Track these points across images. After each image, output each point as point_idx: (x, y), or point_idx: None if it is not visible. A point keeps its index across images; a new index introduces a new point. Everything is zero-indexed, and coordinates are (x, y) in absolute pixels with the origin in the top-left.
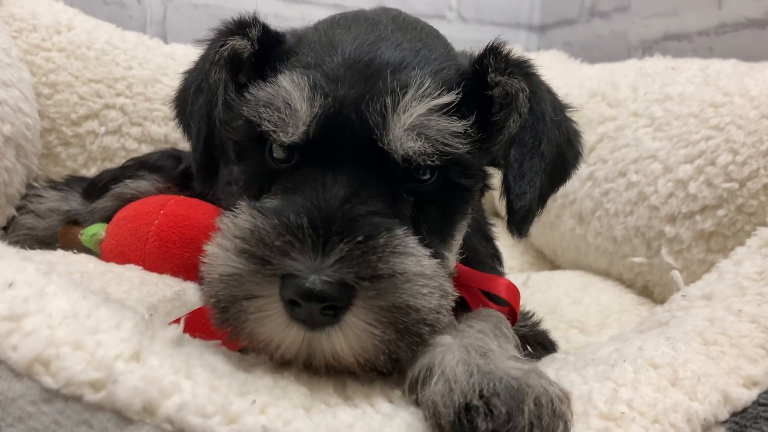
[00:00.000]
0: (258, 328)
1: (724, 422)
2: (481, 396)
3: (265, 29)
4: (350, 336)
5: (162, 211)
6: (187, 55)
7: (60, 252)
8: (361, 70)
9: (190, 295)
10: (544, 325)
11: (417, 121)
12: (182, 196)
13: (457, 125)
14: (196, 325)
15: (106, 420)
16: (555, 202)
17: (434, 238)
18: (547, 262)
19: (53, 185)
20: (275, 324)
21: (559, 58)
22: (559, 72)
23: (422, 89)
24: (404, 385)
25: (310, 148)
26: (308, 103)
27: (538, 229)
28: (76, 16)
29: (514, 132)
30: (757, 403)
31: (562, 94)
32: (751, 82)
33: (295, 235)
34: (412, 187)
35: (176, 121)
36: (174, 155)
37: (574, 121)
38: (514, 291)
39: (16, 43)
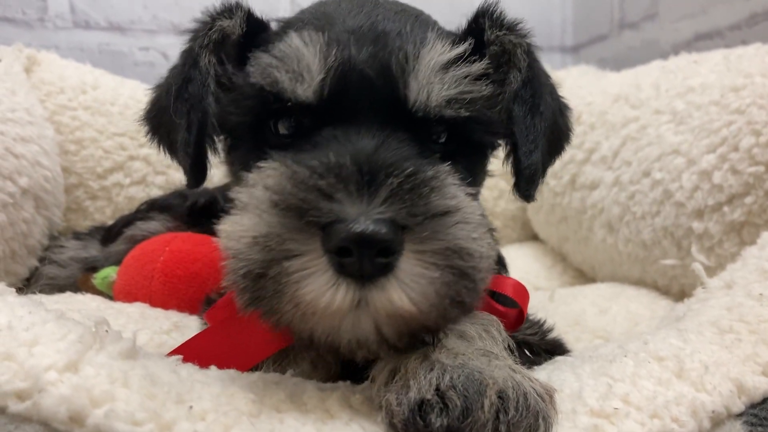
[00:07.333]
0: (299, 292)
1: (740, 415)
2: (438, 390)
3: (249, 15)
4: (408, 283)
5: (167, 248)
6: None
7: (67, 293)
8: (366, 34)
9: (187, 326)
10: (565, 337)
11: (438, 69)
12: (188, 233)
13: (477, 66)
14: (192, 352)
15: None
16: (585, 213)
17: None
18: (588, 279)
19: (76, 235)
20: (320, 283)
21: (587, 71)
22: (584, 83)
23: (435, 44)
24: (373, 390)
25: (325, 108)
26: (321, 56)
27: (573, 245)
28: (102, 76)
29: (515, 87)
30: None
31: (586, 102)
32: None
33: (337, 175)
34: (432, 147)
35: (150, 135)
36: (180, 194)
37: (562, 96)
38: (522, 291)
39: (45, 105)
